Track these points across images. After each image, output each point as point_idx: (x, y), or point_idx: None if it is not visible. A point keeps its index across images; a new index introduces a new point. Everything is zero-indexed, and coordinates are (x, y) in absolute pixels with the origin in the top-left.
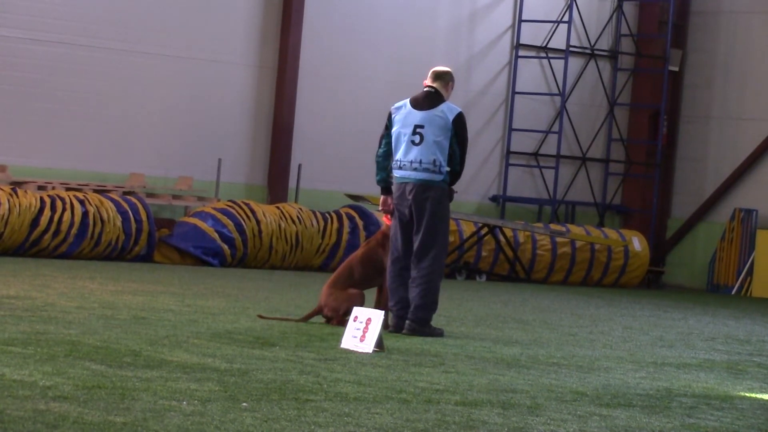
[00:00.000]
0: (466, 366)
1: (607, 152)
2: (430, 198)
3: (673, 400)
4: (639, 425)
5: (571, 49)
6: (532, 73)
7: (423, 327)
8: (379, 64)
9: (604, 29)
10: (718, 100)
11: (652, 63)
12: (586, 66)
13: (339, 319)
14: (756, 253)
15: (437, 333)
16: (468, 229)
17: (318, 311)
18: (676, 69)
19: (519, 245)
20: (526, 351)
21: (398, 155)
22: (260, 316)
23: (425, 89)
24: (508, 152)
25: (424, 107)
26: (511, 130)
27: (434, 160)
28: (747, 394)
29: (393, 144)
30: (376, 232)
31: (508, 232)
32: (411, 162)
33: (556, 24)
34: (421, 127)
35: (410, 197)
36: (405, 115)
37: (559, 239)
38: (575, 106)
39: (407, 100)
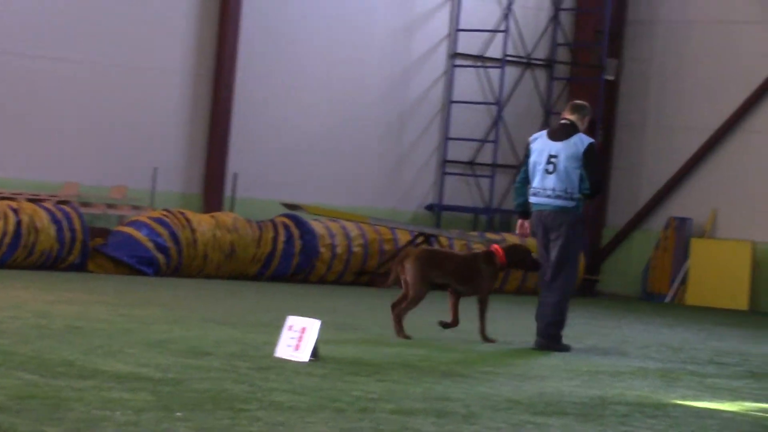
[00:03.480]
0: (401, 375)
1: None
2: (564, 223)
3: (607, 408)
4: None
5: (507, 58)
6: (468, 82)
7: (553, 343)
8: (316, 72)
9: (540, 38)
10: (653, 109)
11: (588, 72)
12: (522, 75)
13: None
14: (690, 261)
15: (565, 349)
16: (404, 237)
17: (395, 276)
18: (612, 78)
19: None
20: (461, 359)
21: (534, 183)
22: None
23: (562, 121)
24: (445, 161)
25: (560, 138)
26: (447, 138)
27: (566, 189)
28: (680, 402)
29: (530, 172)
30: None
31: (444, 241)
32: (544, 189)
33: (492, 33)
34: (555, 156)
35: (546, 222)
36: (542, 145)
37: None
38: (511, 115)
39: (545, 132)
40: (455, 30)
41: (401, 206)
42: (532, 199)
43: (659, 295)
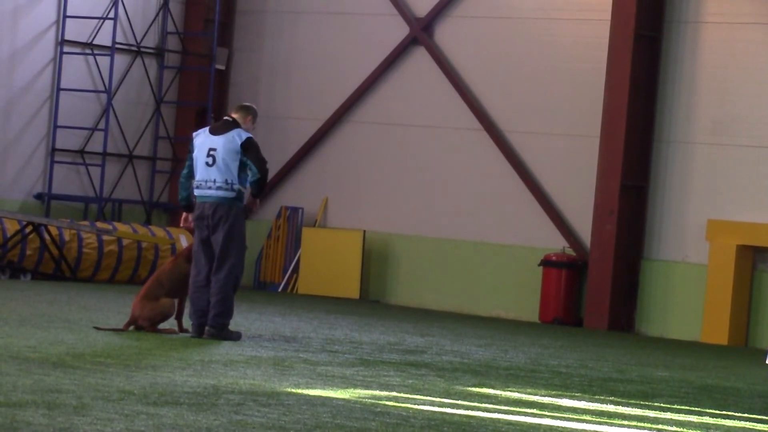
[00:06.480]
0: (10, 367)
1: (153, 150)
2: (227, 214)
3: (220, 397)
4: (186, 423)
5: (116, 46)
6: (77, 70)
7: (223, 332)
8: None
9: (150, 26)
10: (264, 98)
11: (199, 61)
12: (132, 63)
13: (154, 327)
14: (302, 250)
15: (236, 336)
16: (12, 227)
17: (132, 322)
18: (223, 67)
19: (65, 243)
20: (71, 350)
21: (197, 176)
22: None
23: (225, 118)
24: (53, 149)
25: (220, 132)
26: (56, 127)
27: (226, 180)
28: (293, 390)
29: (194, 166)
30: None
31: (54, 231)
32: (206, 181)
33: (101, 20)
34: (215, 149)
35: (209, 213)
36: (203, 140)
37: (105, 237)
38: (121, 103)
39: (207, 128)
40: (63, 16)
41: (9, 195)
42: (196, 192)
43: (272, 284)
